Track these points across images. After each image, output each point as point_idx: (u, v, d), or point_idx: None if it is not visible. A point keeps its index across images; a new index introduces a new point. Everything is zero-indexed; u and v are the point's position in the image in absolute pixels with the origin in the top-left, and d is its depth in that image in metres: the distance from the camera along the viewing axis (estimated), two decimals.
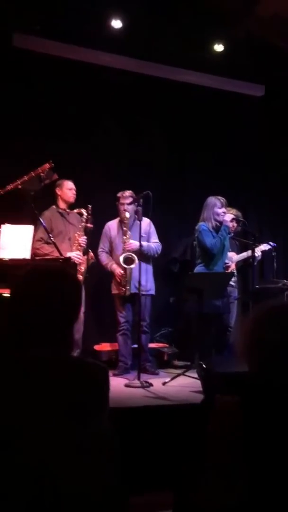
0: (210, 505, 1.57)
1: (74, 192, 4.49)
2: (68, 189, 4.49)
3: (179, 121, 5.72)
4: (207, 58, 5.41)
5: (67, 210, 4.54)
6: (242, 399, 1.56)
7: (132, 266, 4.39)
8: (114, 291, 4.57)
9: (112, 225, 4.67)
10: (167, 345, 5.27)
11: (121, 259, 4.45)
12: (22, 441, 1.26)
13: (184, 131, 5.75)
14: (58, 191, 4.52)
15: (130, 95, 5.42)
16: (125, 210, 4.56)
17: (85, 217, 4.38)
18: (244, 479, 1.51)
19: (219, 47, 5.34)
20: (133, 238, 4.55)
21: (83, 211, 4.41)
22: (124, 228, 4.51)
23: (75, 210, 4.47)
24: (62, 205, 4.52)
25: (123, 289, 4.48)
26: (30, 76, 5.01)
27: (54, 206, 4.55)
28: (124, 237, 4.49)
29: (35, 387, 1.34)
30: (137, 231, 4.32)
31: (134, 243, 4.41)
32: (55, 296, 1.46)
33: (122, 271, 4.48)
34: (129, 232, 4.50)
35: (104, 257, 4.60)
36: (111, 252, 4.64)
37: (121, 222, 4.64)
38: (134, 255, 4.41)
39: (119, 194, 4.62)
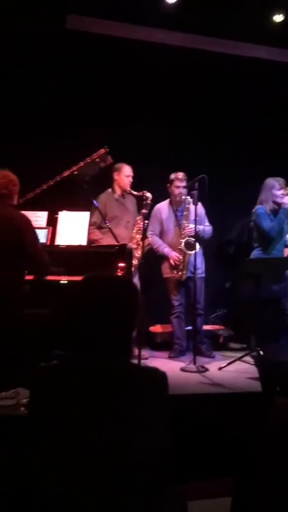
0: (268, 506, 1.57)
1: (131, 180, 4.44)
2: (125, 176, 4.45)
3: (235, 98, 5.53)
4: (267, 29, 5.15)
5: (124, 194, 4.53)
6: None
7: (193, 252, 4.33)
8: (167, 274, 4.56)
9: (162, 208, 4.62)
10: (222, 327, 5.25)
11: (182, 244, 4.41)
12: (85, 451, 1.30)
13: (239, 109, 5.55)
14: (115, 176, 4.50)
15: (186, 73, 5.28)
16: (180, 193, 4.50)
17: (144, 202, 4.33)
18: None
19: (278, 17, 5.08)
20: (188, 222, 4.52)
21: (147, 194, 4.32)
22: (185, 212, 4.43)
23: (135, 192, 4.38)
24: (117, 190, 4.52)
25: (179, 273, 4.46)
26: (83, 59, 4.98)
27: (110, 190, 4.55)
28: (185, 221, 4.44)
29: (95, 397, 1.37)
30: (190, 215, 4.26)
31: (193, 228, 4.37)
32: (114, 304, 1.47)
33: (178, 255, 4.46)
34: (190, 216, 4.42)
35: (155, 240, 4.58)
36: (161, 235, 4.62)
37: (173, 205, 4.60)
38: (194, 240, 4.38)
39: (172, 176, 4.56)
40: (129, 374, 1.46)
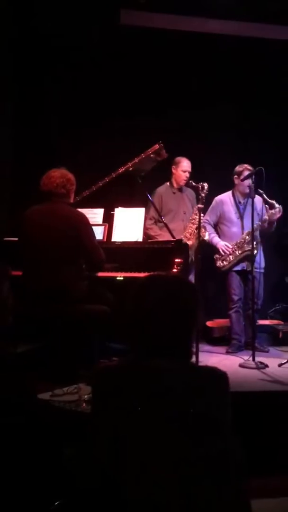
0: None
1: (188, 175, 4.40)
2: (182, 171, 4.44)
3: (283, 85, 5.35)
4: None
5: (182, 187, 4.49)
6: None
7: (256, 252, 4.25)
8: (220, 264, 4.49)
9: (224, 199, 4.56)
10: (281, 322, 5.12)
11: (248, 241, 4.29)
12: (147, 456, 1.30)
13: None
14: (173, 169, 4.51)
15: (241, 62, 5.17)
16: (248, 186, 4.40)
17: (202, 194, 4.28)
18: None
19: None
20: (246, 215, 4.42)
21: (204, 185, 4.26)
22: (266, 206, 4.32)
23: (193, 183, 4.32)
24: (175, 183, 4.51)
25: (222, 263, 4.41)
26: (138, 53, 4.98)
27: (168, 183, 4.55)
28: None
29: (156, 397, 1.37)
30: (249, 208, 4.18)
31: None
32: (174, 305, 1.46)
33: (228, 245, 4.39)
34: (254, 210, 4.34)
35: (208, 229, 4.51)
36: (222, 226, 4.54)
37: (235, 197, 4.52)
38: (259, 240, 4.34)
39: (240, 168, 4.45)
40: (191, 375, 1.45)
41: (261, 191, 4.09)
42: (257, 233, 4.31)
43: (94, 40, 4.84)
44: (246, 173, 4.37)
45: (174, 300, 1.46)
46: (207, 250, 4.45)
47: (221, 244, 4.44)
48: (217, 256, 4.47)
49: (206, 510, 1.26)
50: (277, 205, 4.23)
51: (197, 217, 4.08)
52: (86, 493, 1.33)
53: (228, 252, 4.40)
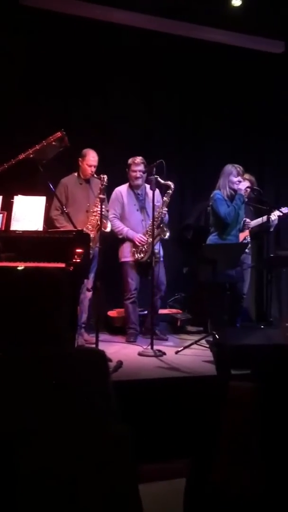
0: (227, 485, 1.62)
1: (93, 170, 4.34)
2: (88, 165, 4.37)
3: (194, 82, 5.53)
4: (224, 14, 5.14)
5: (90, 179, 4.44)
6: (259, 385, 1.59)
7: (167, 236, 4.38)
8: (125, 258, 4.56)
9: (123, 191, 4.62)
10: (180, 311, 5.32)
11: (154, 227, 4.36)
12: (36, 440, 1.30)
13: (199, 93, 5.57)
14: (80, 162, 4.44)
15: (142, 55, 5.23)
16: (137, 178, 4.52)
17: (101, 186, 4.26)
18: (260, 464, 1.55)
19: (236, 2, 5.07)
20: (147, 206, 4.53)
21: (104, 176, 4.16)
22: (165, 199, 4.42)
23: (95, 175, 4.29)
24: (82, 175, 4.47)
25: (141, 255, 4.48)
26: (38, 37, 4.84)
27: (75, 174, 4.50)
28: (163, 206, 4.42)
29: (34, 385, 1.37)
30: (149, 199, 4.28)
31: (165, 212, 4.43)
32: (32, 296, 1.49)
33: (143, 237, 4.47)
34: (150, 202, 4.42)
35: (117, 223, 4.56)
36: (122, 218, 4.60)
37: (133, 189, 4.59)
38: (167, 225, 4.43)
39: (130, 161, 4.55)
40: (66, 358, 1.48)
41: (156, 176, 4.17)
42: (165, 219, 4.46)
43: None
44: (133, 167, 4.47)
45: (31, 291, 1.49)
46: (109, 241, 4.48)
47: (136, 236, 4.49)
48: (134, 249, 4.52)
49: (93, 495, 1.28)
50: (172, 185, 4.33)
51: (99, 209, 4.08)
52: None
53: (143, 243, 4.46)
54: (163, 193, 4.48)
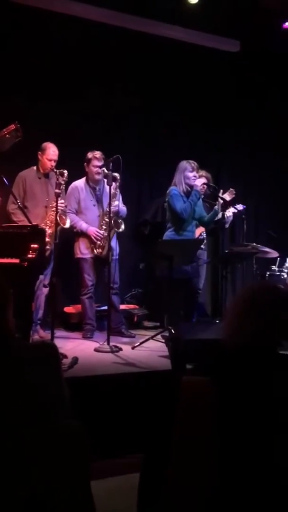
0: (181, 479, 1.63)
1: (53, 164, 4.24)
2: (47, 160, 4.29)
3: (152, 78, 5.53)
4: (181, 11, 5.17)
5: (49, 173, 4.35)
6: (215, 378, 1.61)
7: (121, 229, 4.36)
8: (80, 254, 4.53)
9: (80, 186, 4.57)
10: (137, 307, 5.33)
11: (108, 221, 4.31)
12: None
13: (157, 89, 5.57)
14: (39, 156, 4.35)
15: (101, 49, 5.18)
16: (98, 173, 4.48)
17: (57, 181, 4.18)
18: (214, 458, 1.57)
19: None
20: (104, 201, 4.52)
21: (64, 172, 4.11)
22: (113, 191, 4.37)
23: (54, 170, 4.18)
24: (41, 169, 4.39)
25: (99, 250, 4.45)
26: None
27: (34, 168, 4.40)
28: (114, 199, 4.38)
29: None
30: (106, 194, 4.26)
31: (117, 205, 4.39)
32: None
33: (99, 231, 4.43)
34: (106, 196, 4.40)
35: (73, 217, 4.50)
36: (79, 213, 4.56)
37: (90, 183, 4.56)
38: (120, 219, 4.40)
39: (90, 155, 4.51)
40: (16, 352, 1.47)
41: (108, 173, 4.15)
42: (123, 213, 4.45)
43: None
44: (95, 161, 4.45)
45: None
46: (66, 236, 4.43)
47: (91, 229, 4.45)
48: (92, 245, 4.47)
49: (44, 491, 1.27)
50: (118, 177, 4.29)
51: (56, 202, 4.02)
52: None
53: (100, 237, 4.43)
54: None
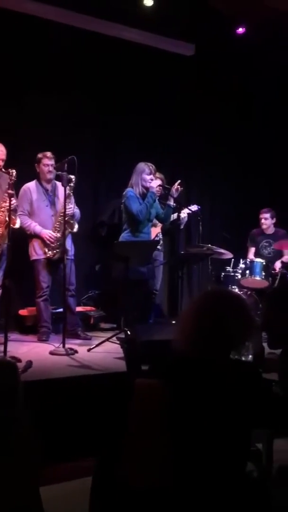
0: (133, 480, 1.63)
1: (1, 164, 4.14)
2: None
3: (108, 80, 5.53)
4: (136, 13, 5.19)
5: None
6: (167, 380, 1.62)
7: (75, 230, 4.32)
8: (35, 256, 4.47)
9: (31, 187, 4.51)
10: (93, 308, 5.30)
11: (62, 222, 4.27)
12: None
13: (114, 90, 5.57)
14: None
15: (54, 49, 5.12)
16: (50, 172, 4.44)
17: (10, 181, 4.09)
18: (167, 458, 1.58)
19: (148, 1, 5.13)
20: (57, 202, 4.48)
21: (13, 171, 3.96)
22: (68, 192, 4.31)
23: (3, 170, 4.11)
24: None
25: (53, 252, 4.40)
26: None
27: None
28: (68, 200, 4.33)
29: None
30: (59, 195, 4.24)
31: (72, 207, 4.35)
32: None
33: (52, 233, 4.38)
34: (60, 197, 4.36)
35: (25, 219, 4.43)
36: (31, 215, 4.49)
37: (42, 184, 4.51)
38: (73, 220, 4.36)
39: (40, 155, 4.47)
40: None
41: (62, 173, 4.12)
42: (77, 214, 4.40)
43: None
44: (45, 160, 4.41)
45: None
46: (18, 238, 4.36)
47: (44, 232, 4.39)
48: (46, 249, 4.41)
49: None
50: (73, 178, 4.24)
51: (7, 204, 3.95)
52: None
53: (53, 240, 4.37)
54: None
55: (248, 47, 5.67)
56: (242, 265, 5.18)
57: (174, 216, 4.75)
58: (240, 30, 5.60)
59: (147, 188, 4.36)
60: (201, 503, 1.56)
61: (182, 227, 5.06)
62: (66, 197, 4.23)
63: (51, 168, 4.44)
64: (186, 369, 1.63)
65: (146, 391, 1.72)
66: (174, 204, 4.55)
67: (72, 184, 4.28)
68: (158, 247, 4.82)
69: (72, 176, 4.21)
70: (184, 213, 4.87)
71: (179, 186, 4.54)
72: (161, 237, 5.02)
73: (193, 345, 1.63)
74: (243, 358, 2.51)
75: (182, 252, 4.96)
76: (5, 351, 3.51)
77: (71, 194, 4.37)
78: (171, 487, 1.56)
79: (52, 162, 4.43)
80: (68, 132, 5.20)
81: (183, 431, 1.58)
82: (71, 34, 5.18)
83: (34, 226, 4.43)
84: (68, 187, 4.24)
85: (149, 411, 1.67)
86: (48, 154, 4.44)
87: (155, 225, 4.84)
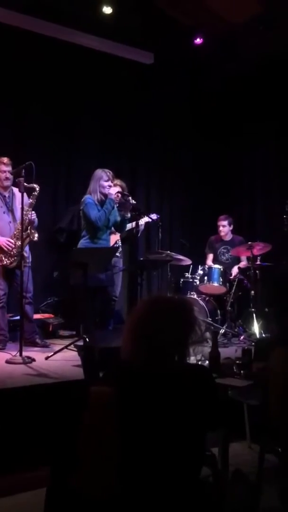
0: (86, 489, 1.62)
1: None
2: None
3: (66, 86, 5.51)
4: (95, 20, 5.20)
5: None
6: (117, 388, 1.61)
7: (36, 238, 4.25)
8: (7, 262, 4.38)
9: None
10: (52, 316, 5.24)
11: (24, 230, 4.19)
12: None
13: (72, 97, 5.56)
14: None
15: (12, 53, 5.08)
16: (7, 178, 4.38)
17: None
18: (118, 466, 1.58)
19: (107, 9, 5.16)
20: (15, 209, 4.42)
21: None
22: (31, 200, 4.25)
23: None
24: None
25: (11, 259, 4.32)
26: None
27: None
28: (29, 208, 4.26)
29: None
30: (17, 202, 4.16)
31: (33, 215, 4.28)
32: None
33: (11, 241, 4.31)
34: (17, 204, 4.30)
35: None
36: None
37: None
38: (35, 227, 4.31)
39: None
40: None
41: (20, 179, 4.07)
42: (35, 221, 4.33)
43: None
44: (2, 167, 4.35)
45: None
46: None
47: (2, 240, 4.31)
48: (2, 256, 4.32)
49: None
50: (37, 187, 4.24)
51: None
52: None
53: (11, 247, 4.30)
54: (29, 196, 4.37)
55: (204, 57, 5.79)
56: (200, 272, 5.25)
57: (133, 224, 4.76)
58: (198, 40, 5.70)
59: (105, 195, 4.35)
60: (155, 510, 1.56)
61: (139, 235, 5.08)
62: (29, 206, 4.18)
63: (8, 175, 4.38)
64: (131, 377, 1.64)
65: (99, 398, 1.71)
66: (129, 216, 4.56)
67: (35, 193, 4.24)
68: (117, 253, 4.81)
69: (36, 186, 4.18)
70: (143, 221, 4.89)
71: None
72: (120, 244, 5.02)
73: (136, 353, 1.64)
74: (200, 363, 2.55)
75: (142, 259, 4.98)
76: None
77: (34, 203, 4.31)
78: (124, 496, 1.56)
79: (9, 168, 4.37)
80: (26, 138, 5.15)
81: (133, 439, 1.58)
82: (28, 39, 5.14)
83: None
84: (31, 196, 4.20)
85: (102, 418, 1.66)
86: (5, 160, 4.38)
87: (114, 232, 4.83)
